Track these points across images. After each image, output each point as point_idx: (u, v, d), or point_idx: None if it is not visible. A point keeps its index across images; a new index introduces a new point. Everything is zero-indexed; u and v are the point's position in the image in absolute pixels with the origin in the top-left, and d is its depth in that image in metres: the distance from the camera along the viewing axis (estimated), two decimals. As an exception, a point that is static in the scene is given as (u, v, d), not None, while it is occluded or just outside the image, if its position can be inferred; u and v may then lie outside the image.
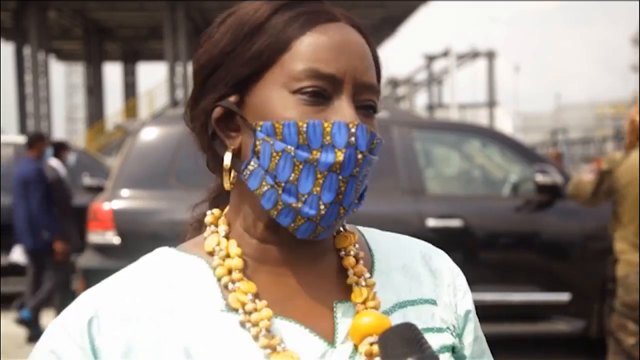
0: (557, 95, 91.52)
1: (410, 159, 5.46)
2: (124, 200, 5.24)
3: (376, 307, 0.88)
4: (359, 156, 0.82)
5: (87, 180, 7.50)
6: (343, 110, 0.83)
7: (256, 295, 0.85)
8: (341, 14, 0.88)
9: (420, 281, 0.95)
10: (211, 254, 0.88)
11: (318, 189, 0.82)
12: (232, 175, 0.88)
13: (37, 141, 7.01)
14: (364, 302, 0.88)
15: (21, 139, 9.80)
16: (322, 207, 0.82)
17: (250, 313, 0.83)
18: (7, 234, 7.50)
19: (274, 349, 0.82)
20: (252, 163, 0.84)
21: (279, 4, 0.86)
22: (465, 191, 6.53)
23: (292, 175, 0.82)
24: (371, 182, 0.94)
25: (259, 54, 0.84)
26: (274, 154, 0.82)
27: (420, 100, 36.06)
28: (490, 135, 6.00)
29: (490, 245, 5.50)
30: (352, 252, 0.92)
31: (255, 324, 0.83)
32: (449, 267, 0.99)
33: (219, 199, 0.96)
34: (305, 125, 0.81)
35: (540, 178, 5.27)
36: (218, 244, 0.88)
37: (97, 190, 6.54)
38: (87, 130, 26.90)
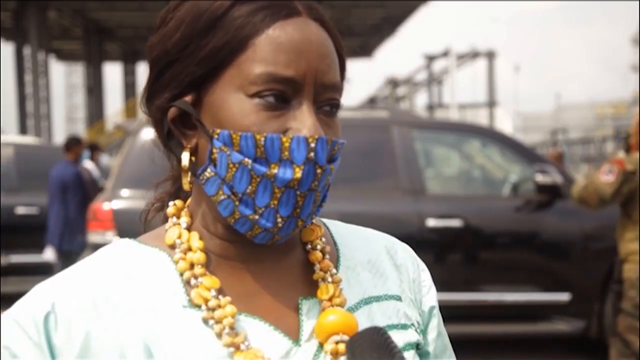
0: (557, 95, 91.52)
1: (410, 159, 5.46)
2: (124, 200, 5.24)
3: (342, 304, 0.86)
4: (318, 171, 0.79)
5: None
6: (303, 117, 0.79)
7: (220, 291, 0.82)
8: (304, 5, 0.83)
9: (385, 276, 0.93)
10: (172, 247, 0.86)
11: (275, 202, 0.79)
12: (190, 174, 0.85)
13: (74, 144, 7.12)
14: (330, 299, 0.86)
15: (21, 139, 9.80)
16: (279, 220, 0.80)
17: (213, 310, 0.81)
18: (6, 234, 7.51)
19: (237, 347, 0.80)
20: (208, 170, 0.82)
21: None
22: (465, 191, 6.53)
23: (249, 187, 0.79)
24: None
25: (215, 53, 0.80)
26: (231, 165, 0.79)
27: (420, 100, 36.08)
28: (490, 135, 6.00)
29: (490, 245, 5.50)
30: (318, 246, 0.90)
31: (219, 321, 0.80)
32: (413, 261, 0.98)
33: (178, 188, 0.93)
34: (263, 139, 0.78)
35: (540, 178, 5.27)
36: (179, 237, 0.86)
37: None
38: (87, 130, 26.89)
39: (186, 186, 0.85)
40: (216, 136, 0.80)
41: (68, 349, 0.77)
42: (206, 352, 0.79)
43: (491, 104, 30.66)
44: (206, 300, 0.81)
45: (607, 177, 3.87)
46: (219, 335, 0.80)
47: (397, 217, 5.37)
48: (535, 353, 5.78)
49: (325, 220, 0.98)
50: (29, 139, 11.38)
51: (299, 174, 0.78)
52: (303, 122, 0.79)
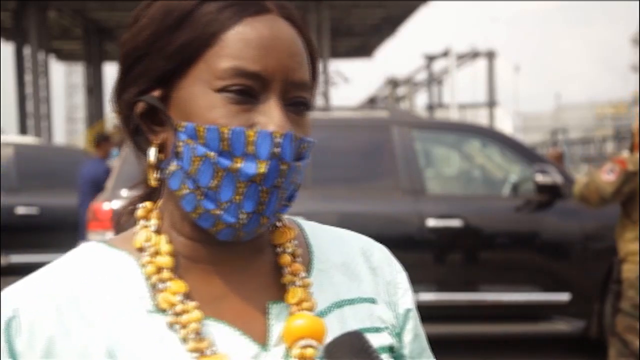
0: (557, 95, 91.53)
1: (410, 159, 5.46)
2: (124, 200, 5.24)
3: (311, 309, 0.85)
4: (283, 167, 0.78)
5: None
6: (271, 112, 0.79)
7: (186, 296, 0.82)
8: (274, 3, 0.83)
9: (360, 279, 0.92)
10: (141, 250, 0.85)
11: (239, 197, 0.79)
12: (157, 170, 0.85)
13: (103, 141, 7.20)
14: (298, 303, 0.85)
15: (21, 139, 9.80)
16: (242, 216, 0.79)
17: (179, 314, 0.80)
18: (6, 234, 7.51)
19: (202, 353, 0.79)
20: (173, 163, 0.81)
21: None
22: (465, 191, 6.53)
23: (213, 181, 0.79)
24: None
25: (184, 48, 0.80)
26: (195, 158, 0.79)
27: (420, 100, 36.06)
28: (490, 135, 6.00)
29: (490, 245, 5.50)
30: (288, 249, 0.89)
31: (184, 326, 0.80)
32: (389, 264, 0.97)
33: (151, 190, 0.92)
34: (228, 132, 0.77)
35: (540, 178, 5.27)
36: (148, 240, 0.85)
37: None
38: (87, 130, 26.88)
39: (152, 182, 0.85)
40: (181, 129, 0.80)
41: (30, 354, 0.77)
42: (171, 357, 0.79)
43: (491, 104, 30.63)
44: (172, 305, 0.81)
45: (608, 176, 3.88)
46: (184, 340, 0.79)
47: (397, 217, 5.37)
48: (535, 353, 5.78)
49: (300, 221, 0.97)
50: (29, 139, 11.38)
51: (263, 169, 0.78)
52: (270, 117, 0.79)
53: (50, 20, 22.68)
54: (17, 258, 7.66)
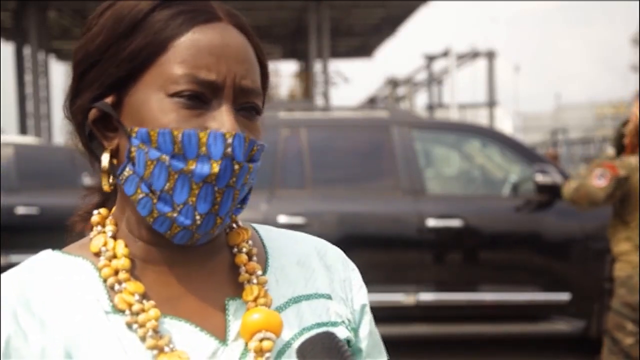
0: (557, 95, 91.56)
1: (410, 159, 5.46)
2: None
3: (267, 305, 0.87)
4: (236, 167, 0.80)
5: (87, 180, 7.51)
6: (222, 117, 0.81)
7: (143, 296, 0.83)
8: (224, 12, 0.86)
9: (314, 276, 0.95)
10: (97, 255, 0.86)
11: (193, 199, 0.80)
12: (111, 176, 0.86)
13: None
14: (254, 300, 0.87)
15: (21, 139, 9.79)
16: (197, 217, 0.81)
17: (137, 314, 0.82)
18: (6, 234, 7.51)
19: (161, 350, 0.80)
20: (127, 169, 0.83)
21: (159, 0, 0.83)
22: (465, 191, 6.53)
23: (167, 184, 0.80)
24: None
25: (136, 55, 0.82)
26: (149, 162, 0.80)
27: (420, 100, 36.08)
28: (490, 135, 6.00)
29: (490, 245, 5.50)
30: (244, 249, 0.91)
31: (142, 325, 0.81)
32: (343, 262, 1.00)
33: (106, 197, 0.93)
34: (180, 135, 0.79)
35: (540, 178, 5.27)
36: (105, 245, 0.86)
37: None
38: (87, 130, 26.85)
39: (105, 186, 0.86)
40: (134, 134, 0.81)
41: None
42: (130, 355, 0.80)
43: (491, 104, 30.64)
44: (130, 305, 0.82)
45: (599, 182, 3.86)
46: (143, 338, 0.81)
47: (397, 217, 5.37)
48: (535, 353, 5.78)
49: (255, 225, 1.00)
50: (29, 139, 11.38)
51: (216, 168, 0.80)
52: (221, 122, 0.81)
53: (50, 20, 22.68)
54: (17, 258, 7.65)
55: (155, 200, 0.81)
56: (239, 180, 0.82)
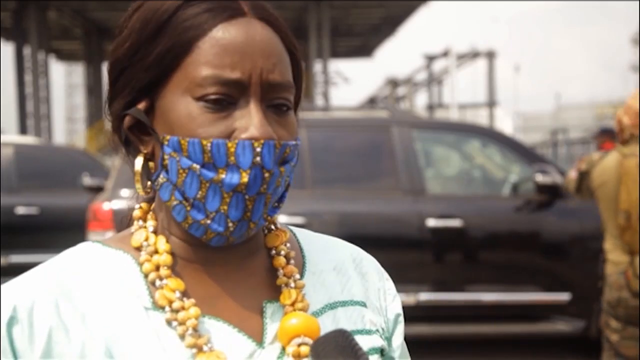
0: (557, 95, 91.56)
1: (410, 159, 5.46)
2: (124, 200, 5.24)
3: (304, 309, 0.87)
4: (266, 175, 0.80)
5: (87, 180, 7.50)
6: (250, 116, 0.80)
7: (184, 293, 0.83)
8: (248, 5, 0.83)
9: (350, 283, 0.94)
10: (138, 249, 0.86)
11: (225, 207, 0.80)
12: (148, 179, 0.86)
13: None
14: (292, 304, 0.86)
15: (21, 139, 9.80)
16: (230, 224, 0.81)
17: (177, 311, 0.81)
18: (6, 234, 7.51)
19: (200, 349, 0.80)
20: (161, 176, 0.83)
21: None
22: (465, 191, 6.53)
23: (199, 192, 0.80)
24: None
25: (162, 58, 0.81)
26: (181, 171, 0.80)
27: (420, 100, 36.04)
28: (490, 135, 6.00)
29: (490, 245, 5.50)
30: (282, 252, 0.91)
31: (182, 323, 0.81)
32: (378, 271, 0.99)
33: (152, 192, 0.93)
34: (209, 145, 0.79)
35: (540, 178, 5.27)
36: (146, 239, 0.86)
37: (97, 190, 6.55)
38: (87, 130, 26.88)
39: (140, 191, 0.86)
40: (166, 142, 0.81)
41: (30, 352, 0.77)
42: (169, 353, 0.80)
43: (491, 104, 30.63)
44: (170, 302, 0.82)
45: (571, 174, 4.19)
46: (182, 336, 0.80)
47: (397, 217, 5.37)
48: (535, 353, 5.78)
49: (293, 227, 0.99)
50: (29, 139, 11.37)
51: (245, 178, 0.79)
52: (250, 121, 0.80)
53: (50, 20, 22.68)
54: (17, 258, 7.65)
55: (189, 208, 0.81)
56: (270, 186, 0.81)
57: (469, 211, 5.46)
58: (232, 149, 0.79)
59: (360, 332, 0.90)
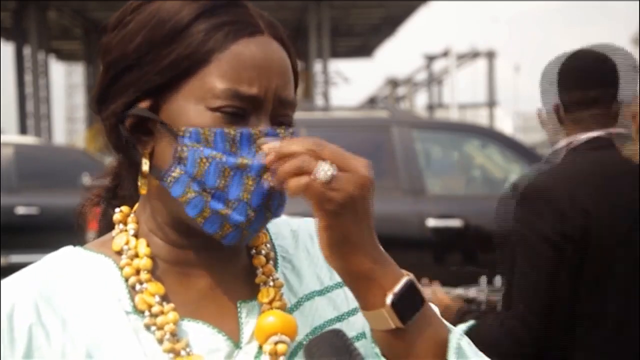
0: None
1: (410, 159, 5.46)
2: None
3: (282, 308, 0.87)
4: None
5: (87, 180, 7.51)
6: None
7: (164, 298, 0.84)
8: (265, 24, 0.85)
9: (320, 266, 0.94)
10: (119, 253, 0.86)
11: (247, 195, 0.80)
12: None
13: None
14: (270, 302, 0.87)
15: (21, 139, 9.80)
16: (250, 213, 0.81)
17: (156, 316, 0.82)
18: (6, 234, 7.51)
19: (177, 353, 0.81)
20: (177, 170, 0.82)
21: (202, 7, 0.82)
22: (465, 191, 6.53)
23: (221, 181, 0.80)
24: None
25: (178, 64, 0.81)
26: (203, 160, 0.80)
27: (420, 100, 36.02)
28: (490, 135, 6.01)
29: (490, 245, 5.49)
30: (262, 251, 0.91)
31: (160, 327, 0.81)
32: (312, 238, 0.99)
33: (125, 195, 0.93)
34: (236, 133, 0.80)
35: (540, 178, 5.26)
36: (127, 243, 0.86)
37: (97, 190, 6.53)
38: (87, 130, 26.88)
39: (143, 190, 0.86)
40: (185, 133, 0.81)
41: (10, 353, 0.78)
42: (149, 357, 0.80)
43: (491, 104, 30.63)
44: (150, 306, 0.82)
45: None
46: (160, 341, 0.81)
47: (397, 217, 5.37)
48: (535, 353, 5.77)
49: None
50: (29, 139, 11.38)
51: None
52: None
53: (50, 20, 22.68)
54: (17, 258, 7.65)
55: (208, 199, 0.81)
56: None
57: (469, 211, 5.46)
58: (259, 135, 0.81)
59: (347, 314, 0.91)
